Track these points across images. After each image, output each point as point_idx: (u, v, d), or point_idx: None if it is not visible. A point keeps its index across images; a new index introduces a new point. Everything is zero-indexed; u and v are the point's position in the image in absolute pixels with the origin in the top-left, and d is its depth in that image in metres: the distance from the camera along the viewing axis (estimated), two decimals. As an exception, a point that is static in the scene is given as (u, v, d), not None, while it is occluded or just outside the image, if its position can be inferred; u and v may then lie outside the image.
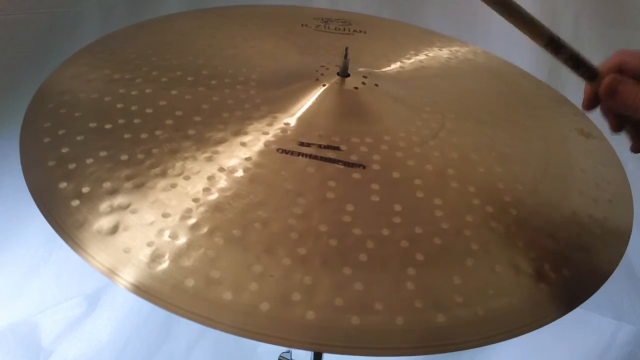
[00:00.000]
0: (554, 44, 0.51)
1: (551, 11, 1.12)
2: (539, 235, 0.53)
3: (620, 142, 0.69)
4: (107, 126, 0.55)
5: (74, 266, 1.11)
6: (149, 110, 0.57)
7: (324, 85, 0.60)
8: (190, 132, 0.54)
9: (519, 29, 0.51)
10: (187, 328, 1.12)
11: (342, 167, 0.53)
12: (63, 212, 0.47)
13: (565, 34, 1.15)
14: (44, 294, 1.14)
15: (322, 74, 0.62)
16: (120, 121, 0.55)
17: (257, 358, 1.11)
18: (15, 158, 0.53)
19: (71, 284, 1.15)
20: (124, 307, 1.14)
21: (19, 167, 0.52)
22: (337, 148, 0.54)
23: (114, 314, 1.15)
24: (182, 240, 0.45)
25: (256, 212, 0.48)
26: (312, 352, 0.71)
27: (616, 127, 0.54)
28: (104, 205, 0.47)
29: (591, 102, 0.54)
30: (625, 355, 1.14)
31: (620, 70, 0.52)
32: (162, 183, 0.49)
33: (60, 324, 1.13)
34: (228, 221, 0.47)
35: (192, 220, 0.47)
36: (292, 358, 0.80)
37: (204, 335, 1.13)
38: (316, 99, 0.59)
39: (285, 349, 0.80)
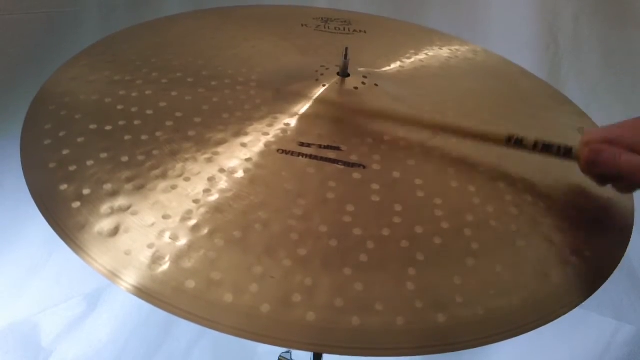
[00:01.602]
0: (513, 140, 0.55)
1: (551, 11, 1.12)
2: (539, 235, 0.53)
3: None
4: (108, 128, 0.55)
5: (74, 266, 1.11)
6: (149, 112, 0.57)
7: (324, 85, 0.60)
8: (191, 133, 0.54)
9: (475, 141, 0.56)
10: (187, 328, 1.12)
11: (342, 167, 0.53)
12: (64, 214, 0.47)
13: (566, 34, 1.16)
14: (44, 294, 1.14)
15: (322, 74, 0.62)
16: (121, 123, 0.55)
17: (257, 358, 1.11)
18: (15, 158, 0.53)
19: (71, 284, 1.15)
20: (124, 307, 1.14)
21: (20, 167, 0.52)
22: (337, 148, 0.54)
23: (114, 314, 1.15)
24: (182, 241, 0.45)
25: (257, 213, 0.48)
26: (312, 353, 0.71)
27: (602, 184, 0.56)
28: (105, 207, 0.47)
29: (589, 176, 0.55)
30: (625, 355, 1.14)
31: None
32: (163, 184, 0.49)
33: (60, 324, 1.13)
34: (228, 222, 0.47)
35: (193, 222, 0.47)
36: (292, 358, 0.80)
37: (203, 336, 1.13)
38: (316, 99, 0.59)
39: (285, 349, 0.80)
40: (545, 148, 0.54)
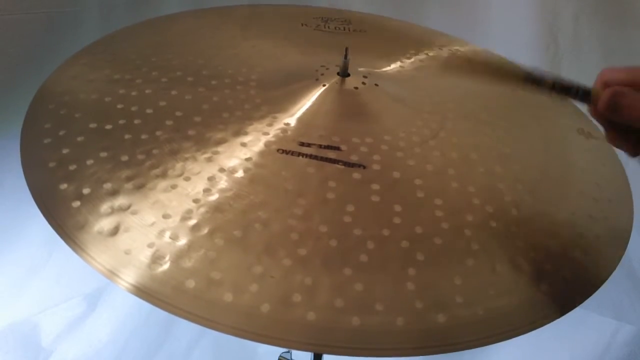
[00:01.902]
0: (532, 79, 0.50)
1: (551, 11, 1.12)
2: (539, 235, 0.53)
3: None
4: (108, 127, 0.55)
5: (74, 266, 1.10)
6: (149, 111, 0.57)
7: (324, 85, 0.60)
8: (191, 132, 0.54)
9: (494, 81, 0.50)
10: (187, 328, 1.12)
11: (342, 167, 0.53)
12: (64, 214, 0.47)
13: (565, 34, 1.16)
14: (44, 294, 1.14)
15: (322, 74, 0.62)
16: (121, 122, 0.55)
17: (258, 358, 1.11)
18: (15, 158, 0.53)
19: (71, 284, 1.15)
20: (124, 307, 1.14)
21: (19, 167, 0.52)
22: (337, 148, 0.54)
23: (114, 314, 1.14)
24: (182, 241, 0.45)
25: (256, 213, 0.48)
26: (312, 353, 0.71)
27: (613, 140, 0.50)
28: (105, 207, 0.47)
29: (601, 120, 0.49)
30: (625, 355, 1.14)
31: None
32: (163, 184, 0.49)
33: (60, 324, 1.13)
34: (228, 222, 0.47)
35: (193, 221, 0.47)
36: (292, 358, 0.80)
37: (204, 336, 1.13)
38: (316, 99, 0.59)
39: (285, 349, 0.80)
40: (565, 89, 0.49)
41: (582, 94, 0.49)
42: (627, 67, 0.47)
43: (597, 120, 0.49)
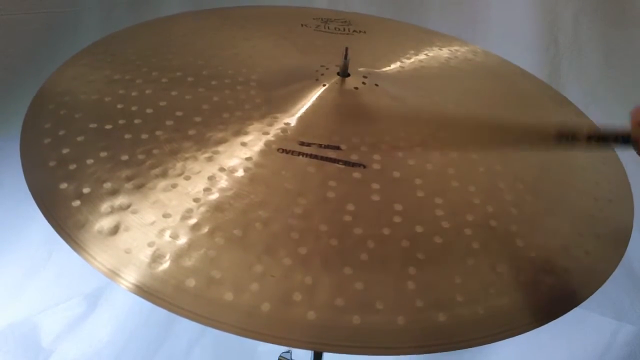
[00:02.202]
0: (566, 137, 0.49)
1: (551, 11, 1.12)
2: (539, 235, 0.53)
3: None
4: (108, 127, 0.55)
5: (74, 266, 1.11)
6: (149, 111, 0.57)
7: (324, 85, 0.60)
8: (191, 132, 0.54)
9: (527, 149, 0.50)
10: (187, 327, 1.12)
11: (342, 166, 0.53)
12: (64, 213, 0.47)
13: (566, 34, 1.16)
14: (44, 294, 1.14)
15: (322, 74, 0.62)
16: (121, 122, 0.55)
17: (257, 357, 1.11)
18: (15, 158, 0.53)
19: (71, 284, 1.15)
20: (124, 307, 1.14)
21: (19, 167, 0.52)
22: (337, 148, 0.54)
23: (114, 313, 1.14)
24: (183, 240, 0.45)
25: (257, 212, 0.48)
26: (312, 352, 0.71)
27: None
28: (105, 206, 0.47)
29: None
30: (625, 355, 1.14)
31: None
32: (163, 183, 0.49)
33: (60, 324, 1.13)
34: (229, 221, 0.47)
35: (193, 221, 0.47)
36: (292, 357, 0.80)
37: (204, 335, 1.13)
38: (316, 99, 0.59)
39: (285, 348, 0.80)
40: (602, 139, 0.49)
41: (622, 139, 0.48)
42: None
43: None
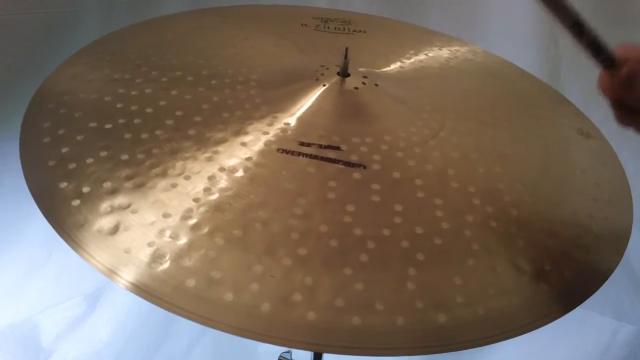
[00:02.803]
0: (578, 28, 0.47)
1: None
2: (539, 235, 0.53)
3: (620, 142, 0.69)
4: (107, 126, 0.55)
5: (74, 266, 1.11)
6: (149, 110, 0.57)
7: (324, 85, 0.60)
8: (191, 132, 0.54)
9: (546, 9, 0.46)
10: (187, 328, 1.12)
11: (342, 167, 0.53)
12: (63, 212, 0.47)
13: (565, 34, 1.16)
14: (44, 294, 1.14)
15: (322, 74, 0.62)
16: (121, 121, 0.55)
17: (257, 358, 1.11)
18: (15, 158, 0.53)
19: (71, 284, 1.15)
20: (124, 307, 1.14)
21: (19, 167, 0.52)
22: (337, 148, 0.54)
23: (114, 314, 1.14)
24: (182, 240, 0.45)
25: (257, 212, 0.48)
26: (312, 352, 0.71)
27: (622, 119, 0.50)
28: (105, 205, 0.47)
29: (608, 90, 0.49)
30: (625, 355, 1.14)
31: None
32: (163, 183, 0.49)
33: (60, 324, 1.13)
34: (229, 221, 0.47)
35: (193, 221, 0.47)
36: (292, 358, 0.80)
37: (204, 335, 1.13)
38: (316, 99, 0.59)
39: (285, 348, 0.80)
40: (597, 51, 0.47)
41: (609, 62, 0.48)
42: None
43: (606, 96, 0.48)
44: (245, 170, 0.51)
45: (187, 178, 0.50)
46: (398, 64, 0.74)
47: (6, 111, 0.91)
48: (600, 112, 0.56)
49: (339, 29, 0.82)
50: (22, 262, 1.13)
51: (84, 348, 1.11)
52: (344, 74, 0.62)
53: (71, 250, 0.45)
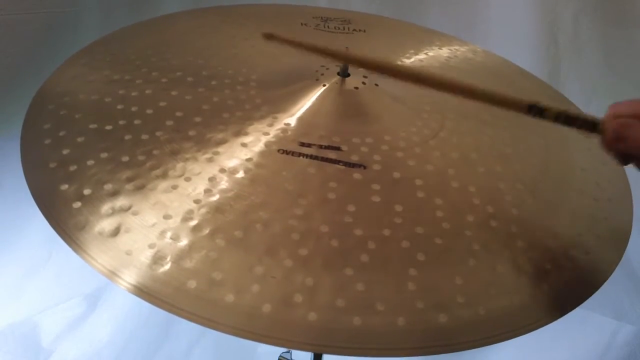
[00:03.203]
0: (535, 110, 0.48)
1: (551, 11, 1.12)
2: (540, 235, 0.53)
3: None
4: (108, 127, 0.55)
5: (74, 266, 1.11)
6: (149, 111, 0.57)
7: (324, 85, 0.60)
8: (191, 133, 0.54)
9: (498, 106, 0.50)
10: (187, 328, 1.12)
11: (342, 167, 0.53)
12: (65, 214, 0.47)
13: (566, 34, 1.16)
14: (44, 294, 1.14)
15: (322, 74, 0.62)
16: (121, 122, 0.55)
17: (257, 358, 1.11)
18: (15, 158, 0.53)
19: (71, 284, 1.15)
20: (124, 307, 1.14)
21: (19, 167, 0.52)
22: (337, 148, 0.54)
23: (114, 314, 1.15)
24: (183, 242, 0.45)
25: (257, 213, 0.48)
26: (312, 352, 0.71)
27: (624, 163, 0.50)
28: (106, 207, 0.47)
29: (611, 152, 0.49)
30: (625, 355, 1.14)
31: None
32: (163, 184, 0.49)
33: (60, 324, 1.13)
34: (229, 222, 0.47)
35: (194, 222, 0.47)
36: (292, 358, 0.80)
37: (204, 335, 1.13)
38: (316, 99, 0.59)
39: (285, 349, 0.80)
40: (568, 120, 0.48)
41: (590, 124, 0.48)
42: (633, 100, 0.49)
43: (607, 151, 0.49)
44: (245, 171, 0.51)
45: (188, 179, 0.50)
46: (398, 63, 0.74)
47: (6, 111, 0.91)
48: (600, 112, 0.56)
49: (339, 28, 0.82)
50: (22, 262, 1.13)
51: (84, 348, 1.11)
52: (344, 73, 0.62)
53: (71, 251, 0.45)
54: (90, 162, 0.51)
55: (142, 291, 0.42)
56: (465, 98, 0.52)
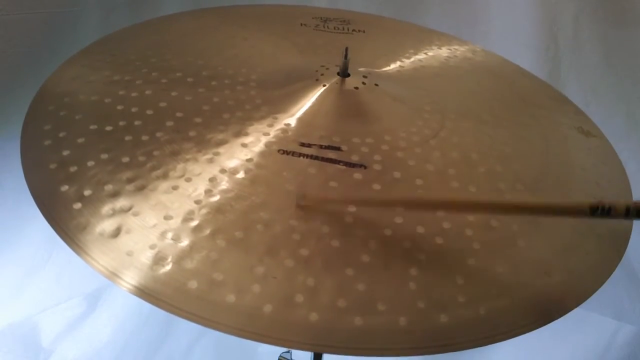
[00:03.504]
0: (600, 211, 0.44)
1: (551, 11, 1.12)
2: (540, 235, 0.53)
3: (620, 141, 0.69)
4: (108, 128, 0.55)
5: (74, 266, 1.11)
6: (149, 112, 0.57)
7: (324, 85, 0.60)
8: (191, 133, 0.54)
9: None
10: (187, 328, 1.13)
11: (343, 167, 0.53)
12: (65, 215, 0.47)
13: (566, 34, 1.16)
14: (44, 294, 1.14)
15: (322, 74, 0.62)
16: (121, 123, 0.55)
17: (258, 358, 1.11)
18: (15, 158, 0.53)
19: (71, 284, 1.15)
20: (124, 307, 1.14)
21: (20, 167, 0.52)
22: (338, 148, 0.54)
23: (114, 314, 1.15)
24: (184, 242, 0.45)
25: (258, 214, 0.48)
26: (312, 352, 0.71)
27: None
28: (106, 208, 0.47)
29: None
30: (625, 355, 1.14)
31: None
32: (164, 185, 0.49)
33: (60, 324, 1.13)
34: (230, 223, 0.47)
35: (195, 223, 0.47)
36: (292, 358, 0.80)
37: (204, 335, 1.13)
38: (316, 99, 0.59)
39: (285, 349, 0.80)
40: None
41: None
42: None
43: None
44: (246, 172, 0.51)
45: (188, 180, 0.50)
46: (398, 63, 0.74)
47: (6, 111, 0.91)
48: (600, 112, 0.56)
49: (339, 28, 0.82)
50: (22, 262, 1.12)
51: (84, 348, 1.11)
52: (344, 74, 0.62)
53: (71, 251, 0.45)
54: (90, 163, 0.51)
55: (144, 292, 0.42)
56: (530, 215, 0.51)
